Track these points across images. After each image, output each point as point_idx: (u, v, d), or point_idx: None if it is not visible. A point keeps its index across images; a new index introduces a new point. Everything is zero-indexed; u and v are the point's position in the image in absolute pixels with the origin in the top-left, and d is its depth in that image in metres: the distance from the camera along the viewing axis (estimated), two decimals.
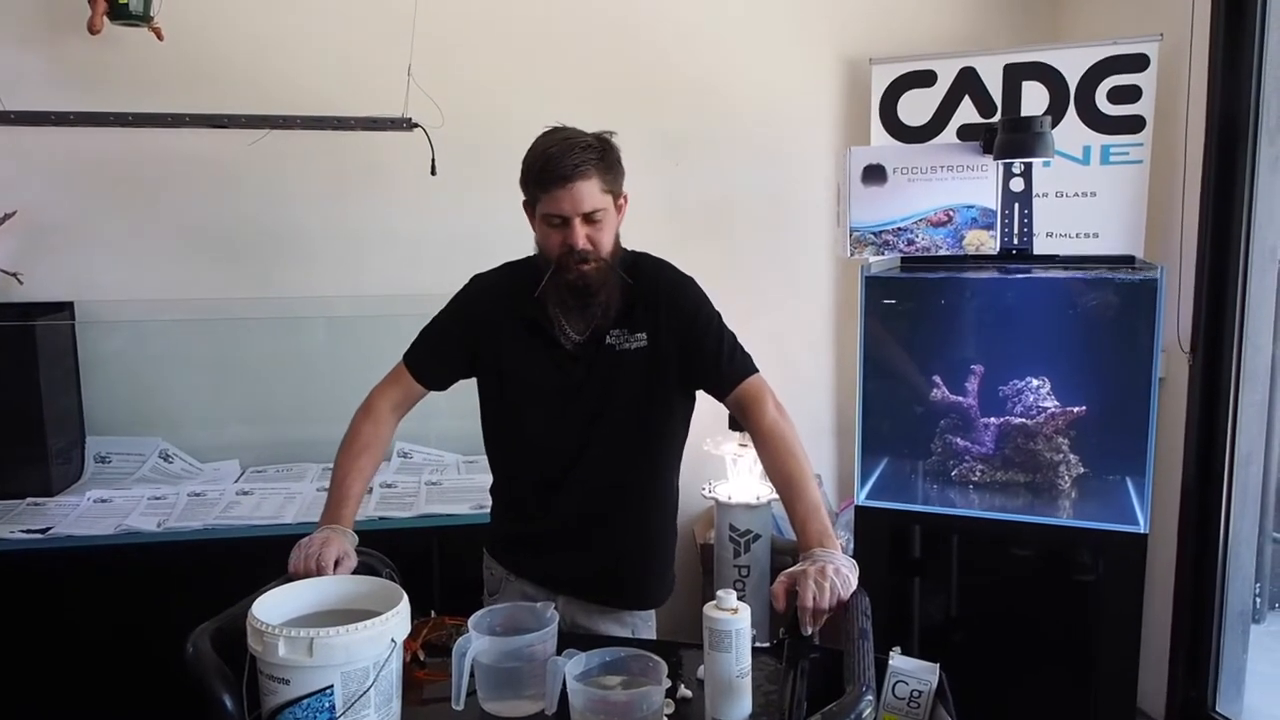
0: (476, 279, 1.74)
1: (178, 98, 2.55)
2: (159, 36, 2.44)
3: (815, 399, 3.07)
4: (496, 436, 1.75)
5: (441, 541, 2.30)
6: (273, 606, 1.22)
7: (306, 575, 1.40)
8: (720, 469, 2.62)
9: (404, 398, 1.70)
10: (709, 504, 2.69)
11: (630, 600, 1.73)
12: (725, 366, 1.62)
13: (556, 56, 2.80)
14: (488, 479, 1.80)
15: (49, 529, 2.22)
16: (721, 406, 1.68)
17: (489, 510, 1.82)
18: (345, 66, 2.66)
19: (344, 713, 1.13)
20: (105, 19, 2.35)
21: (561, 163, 1.52)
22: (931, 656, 1.29)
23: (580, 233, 1.55)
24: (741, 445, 2.56)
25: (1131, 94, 2.52)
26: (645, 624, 1.75)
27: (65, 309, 2.60)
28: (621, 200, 1.64)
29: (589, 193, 1.54)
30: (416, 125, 2.52)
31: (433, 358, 1.70)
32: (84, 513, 2.34)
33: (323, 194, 2.74)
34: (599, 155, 1.55)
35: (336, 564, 1.43)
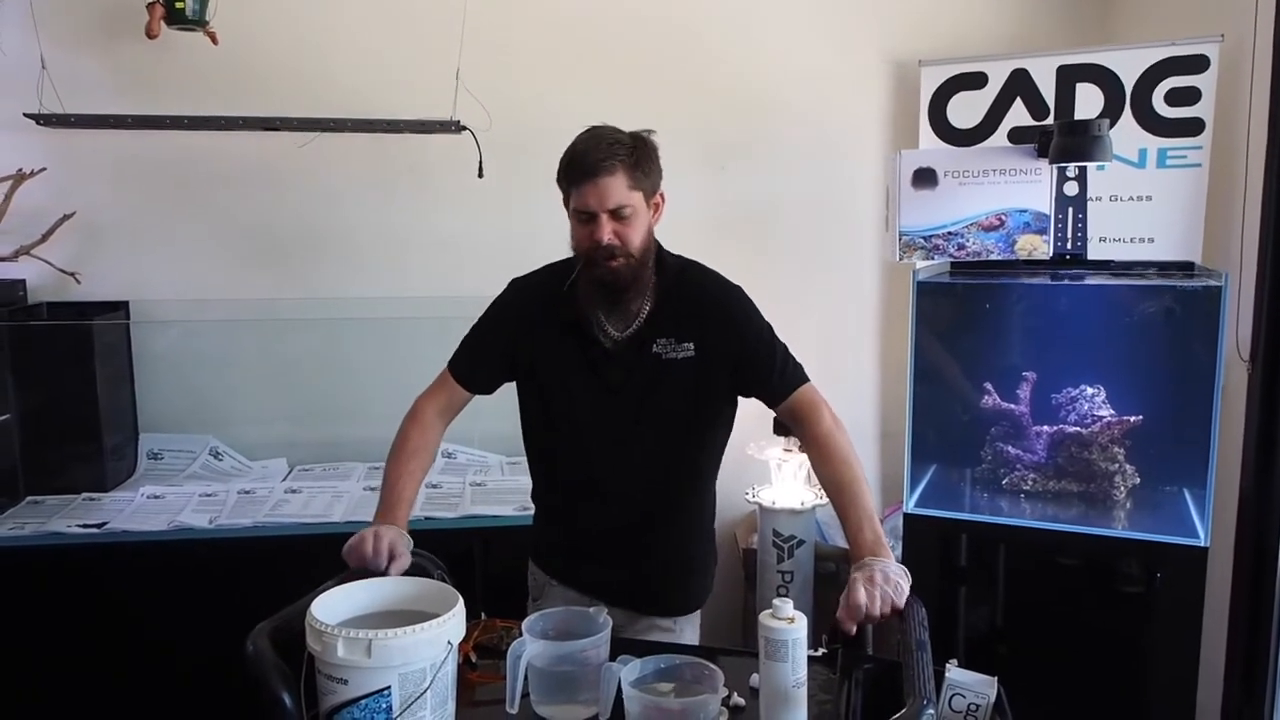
0: (514, 283, 1.75)
1: (231, 101, 2.59)
2: (214, 41, 2.49)
3: (860, 404, 3.04)
4: (535, 439, 1.76)
5: (486, 542, 2.31)
6: (331, 607, 1.23)
7: (360, 559, 1.42)
8: (763, 473, 2.60)
9: (449, 403, 1.72)
10: (751, 508, 2.68)
11: (665, 607, 1.72)
12: (778, 378, 1.62)
13: (603, 60, 2.80)
14: (530, 481, 1.81)
15: (105, 524, 2.26)
16: (765, 410, 1.68)
17: (532, 513, 1.82)
18: (394, 70, 2.68)
19: (401, 714, 1.13)
20: (162, 24, 2.40)
21: (588, 158, 1.53)
22: (977, 667, 1.27)
23: (606, 228, 1.55)
24: (786, 450, 2.54)
25: (1190, 96, 2.46)
26: (690, 625, 1.75)
27: (120, 308, 2.66)
28: (656, 199, 1.63)
29: (615, 188, 1.53)
30: (465, 128, 2.53)
31: (474, 363, 1.72)
32: (138, 508, 2.38)
33: (370, 196, 2.76)
34: (628, 151, 1.55)
35: (391, 558, 1.44)
